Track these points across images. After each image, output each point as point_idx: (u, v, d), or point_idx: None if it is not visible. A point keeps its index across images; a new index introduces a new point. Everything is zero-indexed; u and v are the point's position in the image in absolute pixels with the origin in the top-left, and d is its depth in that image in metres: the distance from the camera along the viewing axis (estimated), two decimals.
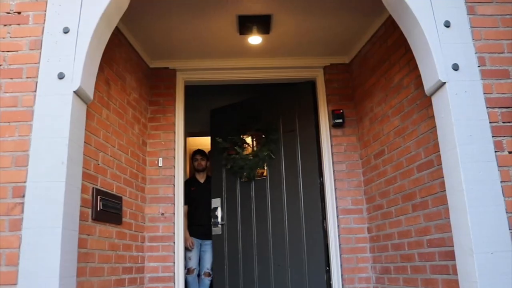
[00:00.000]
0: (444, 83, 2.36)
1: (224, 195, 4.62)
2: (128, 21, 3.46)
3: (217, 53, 4.05)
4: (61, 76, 2.28)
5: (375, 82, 3.63)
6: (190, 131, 5.58)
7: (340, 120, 3.98)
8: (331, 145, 4.02)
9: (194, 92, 4.54)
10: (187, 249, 4.53)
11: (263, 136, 4.50)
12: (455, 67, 2.37)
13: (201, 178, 5.00)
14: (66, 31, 2.36)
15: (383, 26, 3.48)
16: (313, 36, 3.77)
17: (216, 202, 4.65)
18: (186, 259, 4.40)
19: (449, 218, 2.53)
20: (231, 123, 4.65)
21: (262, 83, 4.48)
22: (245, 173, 4.46)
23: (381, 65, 3.52)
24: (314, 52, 4.08)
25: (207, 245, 4.79)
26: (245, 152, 4.52)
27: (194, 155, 5.04)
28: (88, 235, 2.71)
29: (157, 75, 4.12)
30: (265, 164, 4.38)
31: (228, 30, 3.63)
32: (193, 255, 4.72)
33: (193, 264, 4.67)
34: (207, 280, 4.75)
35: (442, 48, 2.41)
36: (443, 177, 2.62)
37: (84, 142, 2.68)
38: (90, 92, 2.42)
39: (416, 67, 2.95)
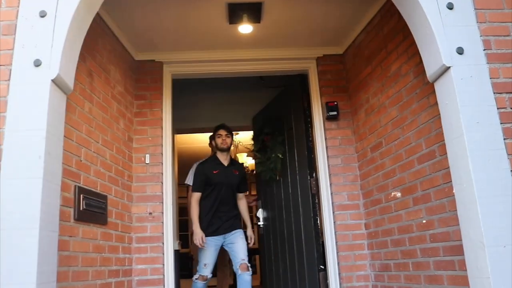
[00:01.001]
0: (449, 67, 2.22)
1: (262, 198, 4.81)
2: (111, 10, 3.27)
3: (206, 45, 3.88)
4: (37, 64, 2.09)
5: (371, 72, 3.49)
6: (178, 128, 5.38)
7: (334, 113, 3.84)
8: (325, 139, 3.87)
9: (182, 87, 4.37)
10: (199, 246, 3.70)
11: (271, 138, 4.54)
12: (460, 51, 2.24)
13: (225, 160, 3.96)
14: (42, 14, 2.17)
15: (378, 13, 3.34)
16: (305, 25, 3.62)
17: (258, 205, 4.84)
18: (199, 262, 3.72)
19: (454, 211, 2.42)
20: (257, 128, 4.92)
21: (256, 76, 4.34)
22: (267, 176, 4.52)
23: (377, 54, 3.38)
24: (306, 42, 3.93)
25: (235, 236, 3.78)
26: (260, 159, 4.66)
27: (217, 131, 3.98)
28: (70, 236, 2.51)
29: (143, 68, 3.93)
30: (277, 167, 4.39)
31: (217, 19, 3.46)
32: (209, 260, 3.70)
33: (207, 272, 3.70)
34: (246, 276, 3.58)
35: (445, 31, 2.28)
36: (446, 168, 2.51)
37: (65, 136, 2.50)
38: (70, 81, 2.24)
39: (415, 54, 2.84)
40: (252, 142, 4.95)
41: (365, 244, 3.62)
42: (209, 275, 3.71)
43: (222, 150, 3.93)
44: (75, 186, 2.61)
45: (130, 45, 3.77)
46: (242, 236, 3.81)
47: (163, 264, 3.55)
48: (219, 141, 3.93)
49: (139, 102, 3.85)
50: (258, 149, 4.73)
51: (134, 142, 3.75)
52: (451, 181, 2.45)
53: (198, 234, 3.59)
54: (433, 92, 2.62)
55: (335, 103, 3.89)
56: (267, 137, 4.60)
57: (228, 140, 3.93)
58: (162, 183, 3.72)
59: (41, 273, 1.86)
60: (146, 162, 3.71)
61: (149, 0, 3.17)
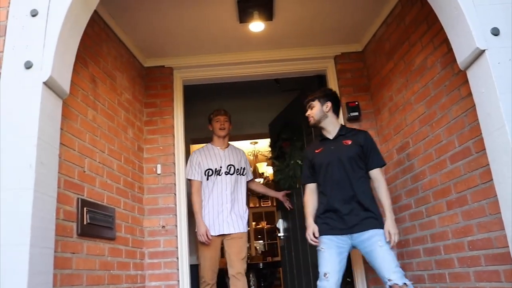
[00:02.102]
0: (483, 51, 1.97)
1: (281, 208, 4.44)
2: (116, 15, 3.13)
3: (217, 47, 3.70)
4: (28, 65, 1.93)
5: (393, 68, 3.24)
6: (194, 137, 5.20)
7: (356, 113, 3.60)
8: None
9: (195, 94, 4.20)
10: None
11: (290, 144, 4.30)
12: (495, 32, 1.98)
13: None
14: (34, 13, 2.02)
15: (399, 3, 3.10)
16: (321, 21, 3.41)
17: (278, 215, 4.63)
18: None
19: (496, 214, 2.14)
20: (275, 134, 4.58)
21: (272, 80, 4.14)
22: (286, 184, 4.24)
23: (399, 48, 3.13)
24: (323, 40, 3.71)
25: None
26: (282, 163, 4.33)
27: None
28: (73, 253, 2.33)
29: (153, 74, 3.78)
30: (297, 174, 4.07)
31: (227, 18, 3.28)
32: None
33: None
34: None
35: (477, 11, 2.02)
36: (484, 166, 2.24)
37: (65, 145, 2.35)
38: (65, 84, 2.07)
39: (441, 44, 2.59)
40: (270, 150, 4.72)
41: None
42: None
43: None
44: (78, 198, 2.44)
45: (138, 51, 3.62)
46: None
47: (178, 281, 3.33)
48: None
49: (149, 110, 3.69)
50: (276, 156, 4.51)
51: (145, 152, 3.58)
52: (490, 180, 2.18)
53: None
54: (465, 82, 2.36)
55: (356, 103, 3.65)
56: (285, 143, 4.37)
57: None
58: (175, 194, 3.53)
59: None
60: (158, 173, 3.53)
61: (154, 3, 3.02)
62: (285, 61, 3.84)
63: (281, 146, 4.45)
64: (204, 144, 3.82)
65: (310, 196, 2.90)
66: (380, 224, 2.66)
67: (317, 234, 2.74)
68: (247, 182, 3.81)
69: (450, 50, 2.51)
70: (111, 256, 2.76)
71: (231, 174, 3.60)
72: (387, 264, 2.53)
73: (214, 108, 3.77)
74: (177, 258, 3.39)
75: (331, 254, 2.67)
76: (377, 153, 2.83)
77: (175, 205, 3.50)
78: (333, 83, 3.80)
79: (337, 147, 2.83)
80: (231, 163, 3.64)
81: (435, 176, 2.75)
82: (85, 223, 2.45)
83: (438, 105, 2.68)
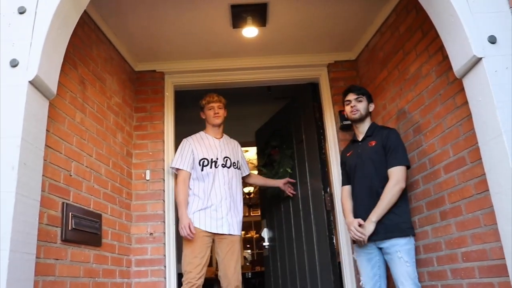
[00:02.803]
0: (480, 59, 1.94)
1: (266, 217, 4.41)
2: (107, 17, 3.08)
3: (209, 53, 3.65)
4: (14, 64, 1.86)
5: (387, 76, 3.22)
6: None
7: (349, 122, 3.50)
8: (340, 151, 3.58)
9: (187, 101, 4.14)
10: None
11: (280, 152, 4.20)
12: (492, 40, 1.96)
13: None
14: (21, 11, 1.95)
15: (393, 12, 3.09)
16: (314, 28, 3.38)
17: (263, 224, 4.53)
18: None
19: (491, 224, 2.11)
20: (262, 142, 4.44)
21: (263, 86, 4.09)
22: (274, 192, 4.16)
23: (393, 56, 3.11)
24: (316, 48, 3.69)
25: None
26: (271, 171, 4.19)
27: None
28: (57, 259, 2.24)
29: (143, 79, 3.72)
30: None
31: (220, 23, 3.23)
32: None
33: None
34: None
35: (474, 18, 2.00)
36: (479, 176, 2.21)
37: (52, 148, 2.28)
38: (52, 84, 2.00)
39: (437, 52, 2.57)
40: (256, 158, 4.64)
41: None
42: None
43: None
44: (63, 203, 2.36)
45: (129, 54, 3.57)
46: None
47: None
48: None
49: (139, 114, 3.62)
50: (264, 164, 4.41)
51: (134, 157, 3.50)
52: (486, 191, 2.16)
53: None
54: (461, 90, 2.34)
55: None
56: (274, 151, 4.29)
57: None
58: (163, 201, 3.45)
59: None
60: (147, 179, 3.46)
61: (146, 6, 2.97)
62: (278, 68, 3.81)
63: (269, 153, 4.35)
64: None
65: (347, 198, 2.86)
66: (402, 233, 2.58)
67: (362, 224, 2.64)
68: (245, 177, 3.55)
69: (445, 58, 2.49)
70: (96, 263, 2.67)
71: (228, 167, 3.26)
72: (402, 277, 2.50)
73: None
74: (165, 266, 3.31)
75: (361, 261, 2.75)
76: (396, 151, 2.66)
77: (164, 212, 3.42)
78: (326, 91, 3.78)
79: (363, 150, 2.79)
80: (227, 156, 3.30)
81: (428, 186, 2.71)
82: (70, 228, 2.37)
83: (432, 114, 2.65)
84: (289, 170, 4.00)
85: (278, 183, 3.80)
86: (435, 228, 2.64)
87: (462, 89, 2.34)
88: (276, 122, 4.44)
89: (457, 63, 2.08)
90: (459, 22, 2.01)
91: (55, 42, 2.01)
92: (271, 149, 4.32)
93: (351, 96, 2.85)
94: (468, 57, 1.98)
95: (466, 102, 2.28)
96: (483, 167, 2.16)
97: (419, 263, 2.83)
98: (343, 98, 2.95)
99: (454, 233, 2.46)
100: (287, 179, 3.80)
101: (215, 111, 3.32)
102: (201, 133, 3.42)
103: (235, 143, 3.50)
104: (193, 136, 3.38)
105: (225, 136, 3.46)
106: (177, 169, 3.24)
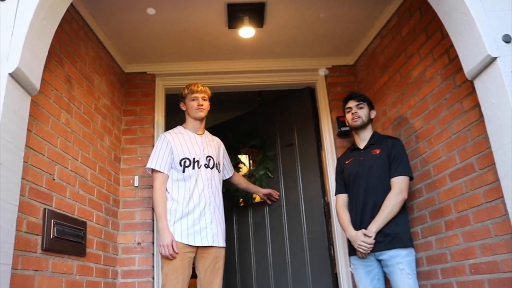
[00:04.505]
0: (495, 58, 1.83)
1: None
2: (97, 14, 2.93)
3: (203, 54, 3.51)
4: None
5: (387, 81, 3.11)
6: None
7: (347, 128, 3.41)
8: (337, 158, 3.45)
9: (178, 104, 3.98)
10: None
11: (259, 152, 3.92)
12: (507, 39, 1.85)
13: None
14: None
15: (395, 15, 2.99)
16: (313, 31, 3.27)
17: None
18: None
19: (503, 235, 1.99)
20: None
21: (256, 91, 3.95)
22: (241, 197, 3.88)
23: (394, 60, 3.01)
24: (313, 52, 3.57)
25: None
26: (240, 173, 3.91)
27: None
28: (36, 270, 2.06)
29: (133, 81, 3.56)
30: (262, 185, 3.77)
31: (215, 23, 3.10)
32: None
33: None
34: None
35: (487, 17, 1.90)
36: (489, 183, 2.10)
37: (33, 149, 2.11)
38: (35, 79, 1.84)
39: (442, 55, 2.47)
40: None
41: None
42: None
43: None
44: (45, 209, 2.18)
45: (119, 55, 3.41)
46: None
47: None
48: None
49: (128, 118, 3.46)
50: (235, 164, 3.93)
51: (122, 162, 3.33)
52: (496, 199, 2.05)
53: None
54: (469, 94, 2.25)
55: None
56: (252, 151, 3.95)
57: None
58: (153, 208, 3.27)
59: None
60: (135, 185, 3.28)
61: (138, 4, 2.83)
62: (275, 72, 3.68)
63: (246, 152, 4.02)
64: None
65: (344, 207, 2.75)
66: (402, 244, 2.49)
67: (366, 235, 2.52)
68: (230, 177, 3.24)
69: (451, 61, 2.40)
70: (80, 274, 2.48)
71: (211, 168, 2.86)
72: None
73: None
74: (153, 278, 3.12)
75: (359, 274, 2.62)
76: (401, 161, 2.59)
77: (153, 220, 3.24)
78: (323, 97, 3.67)
79: (365, 158, 2.70)
80: (210, 155, 2.89)
81: (432, 194, 2.59)
82: (51, 237, 2.19)
83: (437, 119, 2.54)
84: (269, 174, 3.79)
85: (259, 192, 3.54)
86: (440, 238, 2.52)
87: (470, 93, 2.24)
88: (253, 120, 4.09)
89: (469, 64, 1.97)
90: (472, 21, 1.90)
91: (39, 33, 1.86)
92: (249, 148, 3.99)
93: (352, 103, 2.77)
94: (481, 56, 1.87)
95: (475, 106, 2.20)
96: (494, 173, 2.06)
97: (422, 276, 2.70)
98: (343, 105, 2.87)
99: (461, 244, 2.34)
100: (270, 192, 3.57)
101: (199, 103, 2.90)
102: (180, 127, 2.98)
103: (217, 141, 3.09)
104: (171, 131, 2.94)
105: (206, 132, 3.05)
106: (154, 171, 2.79)
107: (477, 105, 2.17)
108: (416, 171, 2.75)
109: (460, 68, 2.29)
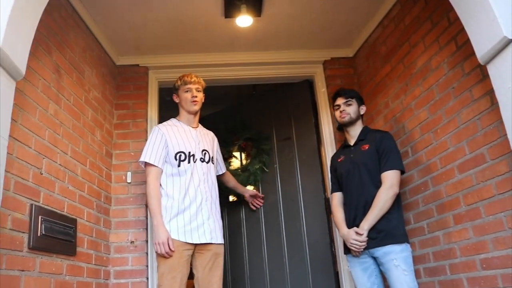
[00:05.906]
0: (511, 40, 1.73)
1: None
2: (87, 2, 2.79)
3: (198, 46, 3.39)
4: None
5: (390, 72, 3.01)
6: None
7: None
8: None
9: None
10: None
11: (254, 146, 3.79)
12: None
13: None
14: None
15: (397, 3, 2.89)
16: (312, 21, 3.16)
17: None
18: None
19: None
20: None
21: (251, 84, 3.83)
22: (230, 193, 3.71)
23: (397, 50, 2.91)
24: (312, 43, 3.46)
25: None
26: (232, 167, 3.78)
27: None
28: (23, 270, 1.92)
29: (125, 74, 3.43)
30: (257, 180, 3.65)
31: (211, 12, 2.98)
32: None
33: None
34: None
35: None
36: (502, 174, 2.01)
37: (19, 141, 1.99)
38: (20, 62, 1.70)
39: (449, 42, 2.38)
40: None
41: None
42: None
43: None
44: (32, 205, 2.04)
45: (111, 46, 3.27)
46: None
47: None
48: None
49: (120, 112, 3.32)
50: (227, 157, 3.81)
51: (114, 157, 3.19)
52: (510, 190, 1.95)
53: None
54: (479, 82, 2.15)
55: None
56: (246, 143, 3.82)
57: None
58: (146, 206, 3.13)
59: None
60: (128, 181, 3.15)
61: None
62: (272, 65, 3.56)
63: (240, 145, 3.87)
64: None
65: (339, 206, 2.70)
66: (396, 239, 2.43)
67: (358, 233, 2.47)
68: (221, 174, 3.13)
69: (459, 48, 2.31)
70: (70, 274, 2.34)
71: (207, 163, 2.74)
72: (400, 287, 2.34)
73: None
74: (147, 278, 2.99)
75: (356, 272, 2.57)
76: (390, 155, 2.53)
77: (146, 218, 3.11)
78: (321, 89, 3.55)
79: (355, 154, 2.66)
80: (205, 148, 2.77)
81: (439, 187, 2.49)
82: (39, 234, 2.04)
83: (444, 109, 2.44)
84: (265, 168, 3.65)
85: (245, 192, 3.43)
86: (448, 233, 2.42)
87: (480, 80, 2.15)
88: (246, 112, 3.95)
89: (482, 48, 1.86)
90: (486, 1, 1.80)
91: (24, 12, 1.72)
92: (244, 140, 3.84)
93: (340, 100, 2.76)
94: (497, 38, 1.76)
95: (486, 94, 2.10)
96: (507, 164, 1.97)
97: (428, 272, 2.60)
98: (332, 102, 2.82)
99: (472, 238, 2.23)
100: (256, 192, 3.47)
101: (193, 94, 2.77)
102: (174, 120, 2.86)
103: (212, 135, 2.99)
104: (165, 123, 2.82)
105: (200, 126, 2.93)
106: (147, 164, 2.65)
107: (488, 93, 2.08)
108: (422, 164, 2.65)
109: (468, 55, 2.21)
